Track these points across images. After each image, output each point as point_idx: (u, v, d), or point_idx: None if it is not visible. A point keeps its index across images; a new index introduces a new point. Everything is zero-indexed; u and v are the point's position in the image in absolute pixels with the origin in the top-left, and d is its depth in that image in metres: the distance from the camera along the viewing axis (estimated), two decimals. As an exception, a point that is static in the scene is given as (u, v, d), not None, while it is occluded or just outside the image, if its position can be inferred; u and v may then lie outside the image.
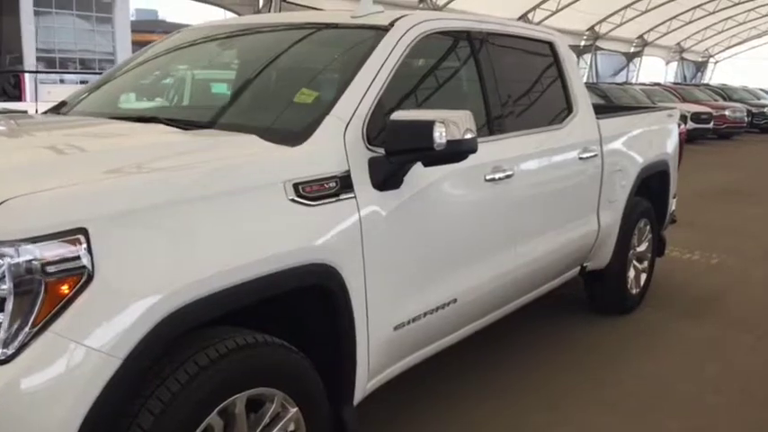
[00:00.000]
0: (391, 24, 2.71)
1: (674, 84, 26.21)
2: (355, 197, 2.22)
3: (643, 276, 4.61)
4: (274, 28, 3.14)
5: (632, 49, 31.28)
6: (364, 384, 2.35)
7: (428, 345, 2.74)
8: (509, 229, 3.08)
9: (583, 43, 27.69)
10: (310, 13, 3.30)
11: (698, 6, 28.23)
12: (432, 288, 2.61)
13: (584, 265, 4.04)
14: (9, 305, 1.51)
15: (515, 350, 3.76)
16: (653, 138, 4.59)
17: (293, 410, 2.02)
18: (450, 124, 2.22)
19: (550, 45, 3.75)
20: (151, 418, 1.67)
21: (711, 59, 39.99)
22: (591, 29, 27.22)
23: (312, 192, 2.08)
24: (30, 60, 24.23)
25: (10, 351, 1.50)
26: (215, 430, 1.81)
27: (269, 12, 14.87)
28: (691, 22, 30.37)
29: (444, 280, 2.68)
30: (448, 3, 19.61)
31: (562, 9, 23.16)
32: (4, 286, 1.50)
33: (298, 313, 2.22)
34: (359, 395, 2.33)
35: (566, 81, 3.76)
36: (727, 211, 8.33)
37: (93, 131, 2.47)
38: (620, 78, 29.34)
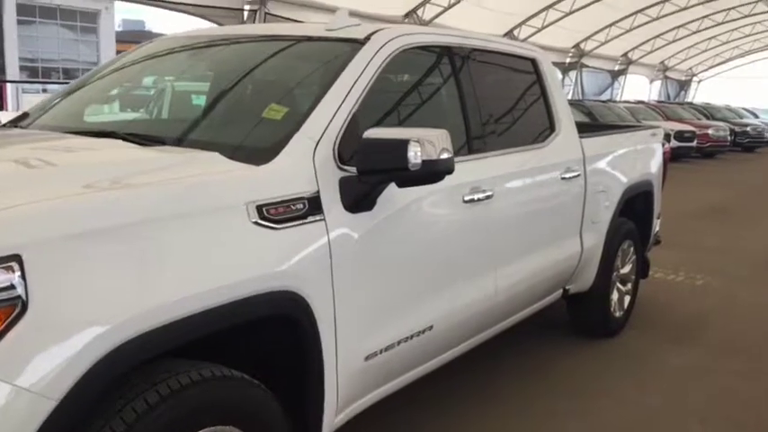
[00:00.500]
0: (367, 38, 2.60)
1: (658, 102, 26.40)
2: (324, 219, 2.10)
3: (627, 299, 4.51)
4: (246, 39, 3.02)
5: (617, 67, 31.51)
6: (332, 419, 2.22)
7: (402, 374, 2.60)
8: (488, 252, 2.97)
9: (568, 60, 27.83)
10: (284, 25, 3.18)
11: (682, 26, 28.51)
12: (406, 315, 2.49)
13: (567, 287, 3.93)
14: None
15: (493, 377, 3.64)
16: (637, 157, 4.52)
17: (253, 449, 1.87)
18: (425, 143, 2.11)
19: (533, 62, 3.65)
20: (93, 463, 1.52)
21: (695, 78, 40.40)
22: (576, 46, 27.39)
23: (277, 214, 1.96)
24: (12, 69, 24.01)
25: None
26: (165, 473, 1.66)
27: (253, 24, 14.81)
28: (675, 41, 30.67)
29: (420, 306, 2.55)
30: (434, 18, 19.62)
31: (548, 26, 23.27)
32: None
33: (262, 344, 2.08)
34: (326, 430, 2.20)
35: (548, 99, 3.66)
36: (712, 231, 8.29)
37: (45, 147, 2.32)
38: (606, 96, 29.51)
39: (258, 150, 2.12)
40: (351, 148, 2.22)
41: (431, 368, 2.81)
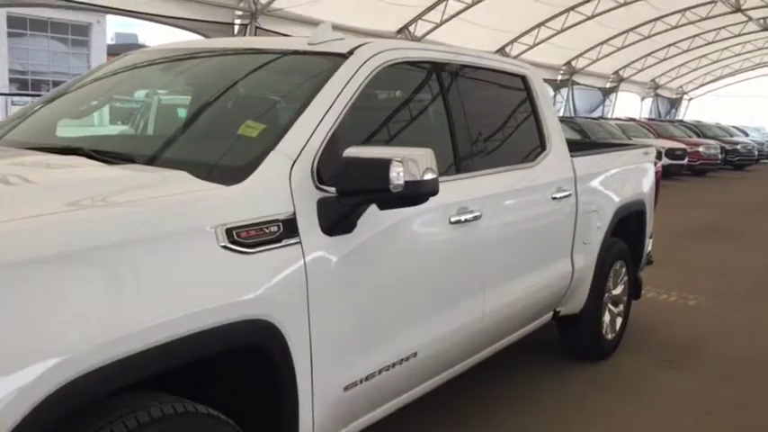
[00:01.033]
0: (350, 52, 2.49)
1: (649, 119, 26.46)
2: (301, 243, 1.98)
3: (619, 320, 4.40)
4: (226, 53, 2.91)
5: (608, 85, 31.58)
6: (308, 454, 2.08)
7: (384, 403, 2.47)
8: (476, 275, 2.85)
9: (560, 77, 27.90)
10: (265, 39, 3.08)
11: (673, 44, 28.64)
12: (389, 342, 2.36)
13: (558, 309, 3.82)
14: None
15: (482, 402, 3.51)
16: (629, 176, 4.43)
17: (219, 490, 1.74)
18: (408, 163, 2.00)
19: (523, 79, 3.56)
20: None
21: (685, 96, 40.57)
22: (568, 63, 27.45)
23: (249, 237, 1.84)
24: (2, 81, 23.88)
25: None
26: None
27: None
28: (665, 59, 30.81)
29: (403, 332, 2.43)
30: (426, 34, 19.63)
31: (539, 43, 23.30)
32: None
33: (233, 375, 1.96)
34: (301, 466, 2.06)
35: (539, 117, 3.57)
36: (704, 249, 8.22)
37: (2, 165, 2.18)
38: (597, 113, 29.57)
39: (230, 169, 2.01)
40: (331, 167, 2.11)
41: (416, 395, 2.69)
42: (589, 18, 22.29)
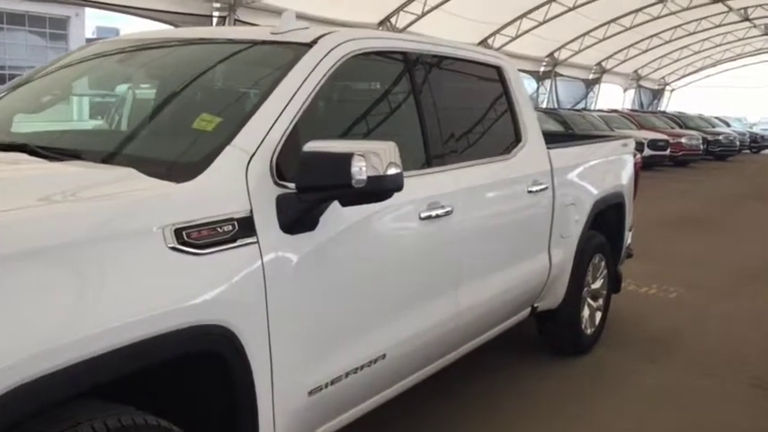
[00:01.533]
0: (314, 42, 2.39)
1: (632, 111, 26.51)
2: (258, 242, 1.88)
3: (598, 315, 4.34)
4: (185, 43, 2.79)
5: (591, 76, 31.61)
6: (270, 463, 1.99)
7: (353, 407, 2.39)
8: (449, 272, 2.77)
9: (542, 69, 27.89)
10: (228, 29, 2.96)
11: (654, 35, 28.71)
12: (355, 343, 2.27)
13: (536, 305, 3.75)
14: None
15: (461, 400, 3.43)
16: (607, 169, 4.36)
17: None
18: (371, 157, 1.90)
19: (498, 69, 3.47)
20: None
21: (668, 87, 40.73)
22: (551, 55, 27.43)
23: (200, 238, 1.74)
24: (-22, 76, 23.43)
25: None
26: None
27: (225, 31, 14.51)
28: (647, 50, 30.89)
29: (370, 333, 2.34)
30: (408, 26, 19.49)
31: (522, 35, 23.25)
32: None
33: (188, 383, 1.86)
34: (263, 476, 1.97)
35: (514, 108, 3.48)
36: (685, 241, 8.20)
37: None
38: (581, 105, 29.59)
39: (182, 166, 1.90)
40: (291, 162, 2.01)
41: (387, 397, 2.60)
42: (571, 9, 22.27)
